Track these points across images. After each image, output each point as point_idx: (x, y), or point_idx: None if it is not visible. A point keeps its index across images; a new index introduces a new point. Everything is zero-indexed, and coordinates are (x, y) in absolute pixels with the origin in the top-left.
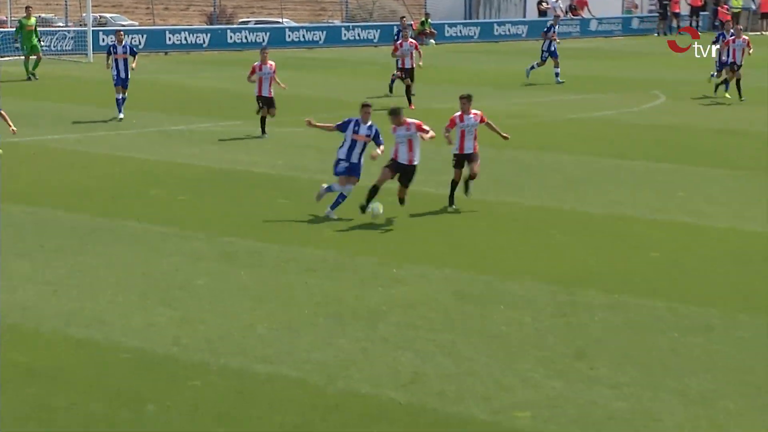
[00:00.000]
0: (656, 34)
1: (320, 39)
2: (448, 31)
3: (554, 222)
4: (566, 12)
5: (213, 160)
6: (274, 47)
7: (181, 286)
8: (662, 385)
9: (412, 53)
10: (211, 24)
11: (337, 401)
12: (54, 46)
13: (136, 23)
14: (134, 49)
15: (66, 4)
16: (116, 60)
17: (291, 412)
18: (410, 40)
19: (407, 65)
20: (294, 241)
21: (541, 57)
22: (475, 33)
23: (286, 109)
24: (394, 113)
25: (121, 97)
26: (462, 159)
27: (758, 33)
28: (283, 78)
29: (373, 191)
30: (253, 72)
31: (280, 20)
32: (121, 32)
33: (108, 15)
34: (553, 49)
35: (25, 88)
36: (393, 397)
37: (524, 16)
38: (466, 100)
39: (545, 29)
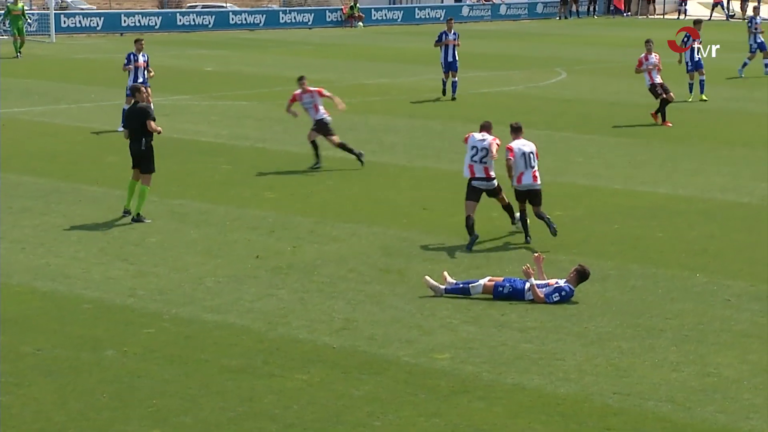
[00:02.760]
0: (558, 18)
1: (260, 22)
2: (374, 15)
3: (463, 184)
4: None
5: (164, 130)
6: (218, 29)
7: (136, 243)
8: (564, 329)
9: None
10: (162, 8)
11: (277, 345)
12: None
13: (94, 7)
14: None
15: None
16: (136, 68)
17: (236, 355)
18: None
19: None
20: (238, 202)
21: (750, 50)
22: (398, 16)
23: (229, 84)
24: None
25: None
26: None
27: (644, 17)
28: (226, 57)
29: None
30: (293, 101)
31: (225, 5)
32: (142, 40)
33: None
34: (760, 41)
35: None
36: (327, 342)
37: (442, 1)
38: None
39: (749, 22)
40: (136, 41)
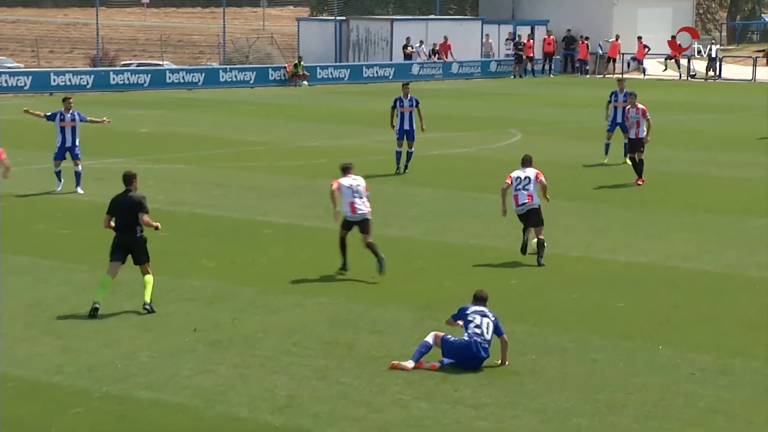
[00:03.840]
0: (512, 77)
1: (199, 80)
2: (320, 73)
3: (418, 251)
4: (429, 56)
5: (96, 196)
6: (154, 88)
7: (64, 317)
8: (520, 405)
9: (638, 121)
10: (95, 66)
11: (216, 424)
12: None
13: (22, 65)
14: (83, 117)
15: None
16: (63, 128)
17: None
18: (638, 105)
19: (632, 135)
20: (174, 272)
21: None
22: (345, 75)
23: (166, 147)
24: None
25: (76, 171)
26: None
27: (601, 76)
28: (163, 117)
29: None
30: (336, 190)
31: (161, 63)
32: (70, 98)
33: None
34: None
35: None
36: (269, 420)
37: (391, 59)
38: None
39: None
40: (64, 99)
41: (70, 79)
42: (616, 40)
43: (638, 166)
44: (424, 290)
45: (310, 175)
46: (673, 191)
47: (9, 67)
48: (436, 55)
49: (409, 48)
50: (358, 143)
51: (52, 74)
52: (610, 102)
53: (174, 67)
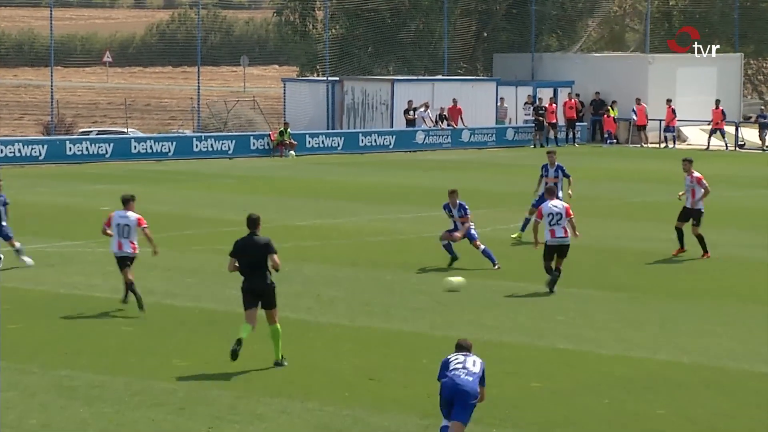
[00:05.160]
0: (532, 146)
1: (170, 150)
2: (309, 142)
3: (423, 347)
4: (436, 122)
5: (49, 284)
6: (118, 159)
7: (12, 426)
8: None
9: (693, 190)
10: (48, 134)
11: None
12: None
13: None
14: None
15: None
16: None
17: None
18: (693, 173)
19: (687, 204)
20: (140, 373)
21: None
22: (339, 144)
23: None
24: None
25: (15, 249)
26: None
27: (638, 146)
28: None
29: None
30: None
31: (126, 130)
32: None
33: None
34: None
35: None
36: None
37: (391, 126)
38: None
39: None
40: None
41: (19, 150)
42: (638, 104)
43: (700, 241)
44: (428, 393)
45: (298, 258)
46: (719, 279)
47: None
48: (444, 121)
49: (411, 113)
50: (354, 222)
51: None
52: (541, 176)
53: (141, 135)
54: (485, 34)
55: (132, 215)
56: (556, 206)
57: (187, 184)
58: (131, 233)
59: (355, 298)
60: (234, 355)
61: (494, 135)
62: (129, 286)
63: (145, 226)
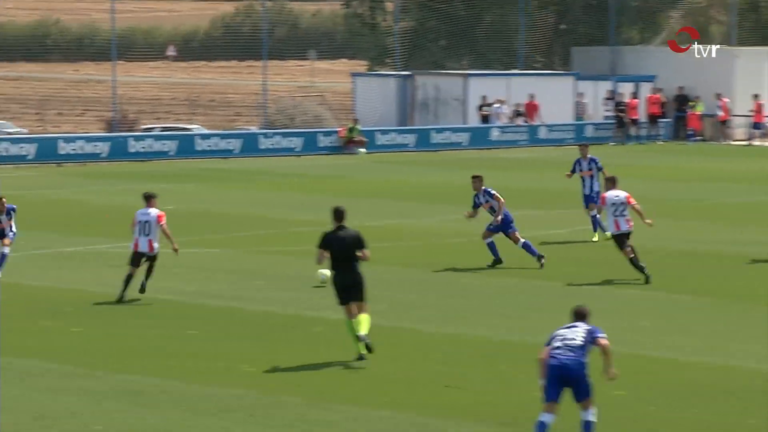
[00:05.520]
0: (612, 143)
1: (235, 148)
2: (379, 139)
3: (500, 353)
4: (511, 118)
5: (113, 286)
6: (182, 157)
7: None
8: None
9: None
10: (111, 131)
11: None
12: None
13: (25, 130)
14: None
15: None
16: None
17: None
18: None
19: None
20: (208, 378)
21: None
22: (410, 141)
23: (195, 228)
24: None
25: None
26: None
27: (722, 143)
28: (192, 193)
29: None
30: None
31: (190, 127)
32: (2, 199)
33: None
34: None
35: None
36: None
37: (465, 122)
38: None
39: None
40: None
41: (81, 147)
42: (719, 98)
43: None
44: (506, 401)
45: (371, 261)
46: None
47: (10, 133)
48: (520, 118)
49: (485, 109)
50: (427, 223)
51: (60, 141)
52: (573, 171)
53: (205, 131)
54: (563, 27)
55: (153, 212)
56: (617, 195)
57: (253, 183)
58: (152, 230)
59: (429, 302)
60: (368, 348)
61: (573, 132)
62: (127, 279)
63: (163, 223)
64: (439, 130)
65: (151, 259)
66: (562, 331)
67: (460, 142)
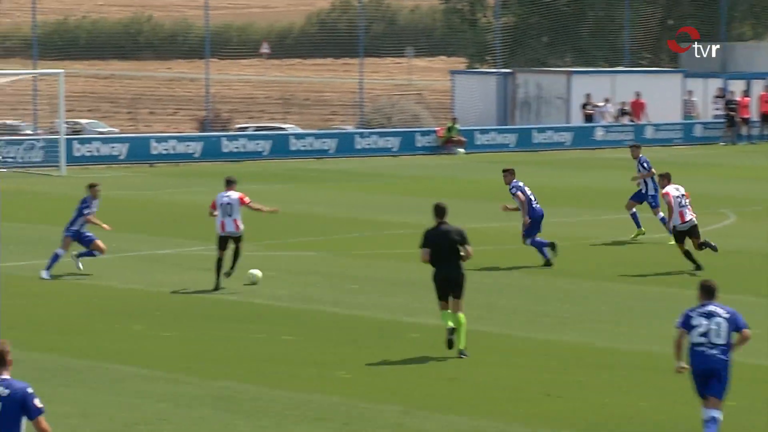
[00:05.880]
0: (722, 143)
1: (331, 148)
2: (479, 139)
3: (603, 361)
4: (616, 117)
5: (204, 290)
6: (276, 157)
7: None
8: None
9: None
10: (204, 131)
11: None
12: (21, 158)
13: (117, 130)
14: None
15: (35, 109)
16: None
17: None
18: None
19: None
20: (302, 385)
21: None
22: (511, 141)
23: (291, 231)
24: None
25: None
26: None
27: None
28: (286, 193)
29: None
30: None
31: (284, 126)
32: (98, 186)
33: (84, 121)
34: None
35: None
36: None
37: (568, 122)
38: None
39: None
40: (91, 186)
41: (174, 147)
42: None
43: None
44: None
45: (469, 265)
46: None
47: (101, 133)
48: (626, 117)
49: (589, 107)
50: None
51: (152, 141)
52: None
53: (300, 131)
54: (670, 22)
55: (234, 194)
56: (678, 188)
57: (349, 184)
58: (234, 211)
59: (529, 307)
60: (450, 344)
61: (681, 131)
62: (218, 264)
63: (248, 200)
64: (541, 130)
65: (237, 240)
66: (701, 321)
67: (563, 141)
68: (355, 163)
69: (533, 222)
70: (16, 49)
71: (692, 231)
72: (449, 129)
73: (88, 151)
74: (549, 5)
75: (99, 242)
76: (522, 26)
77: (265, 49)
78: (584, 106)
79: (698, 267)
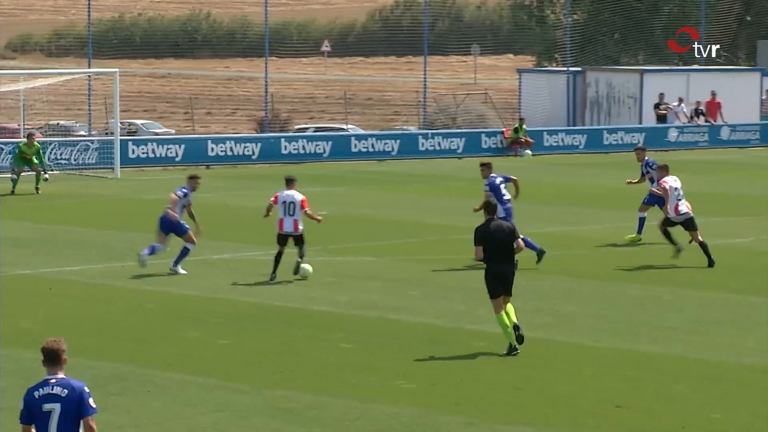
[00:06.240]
0: None
1: (393, 149)
2: (547, 140)
3: (676, 372)
4: (691, 117)
5: (262, 296)
6: (336, 159)
7: None
8: None
9: None
10: (262, 131)
11: None
12: (74, 159)
13: (173, 131)
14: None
15: (89, 109)
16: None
17: None
18: None
19: None
20: (361, 394)
21: None
22: (580, 142)
23: (351, 235)
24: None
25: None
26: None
27: None
28: (347, 196)
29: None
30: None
31: (345, 127)
32: (198, 178)
33: (139, 122)
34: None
35: (37, 209)
36: None
37: (640, 122)
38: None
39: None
40: (192, 177)
41: (231, 148)
42: None
43: None
44: (683, 424)
45: (533, 270)
46: None
47: (157, 133)
48: (701, 117)
49: (663, 107)
50: (597, 230)
51: (209, 142)
52: (643, 176)
53: (361, 132)
54: (748, 18)
55: (297, 195)
56: (676, 180)
57: (412, 187)
58: (296, 211)
59: (597, 315)
60: (521, 339)
61: (758, 132)
62: (277, 258)
63: (308, 209)
64: (612, 131)
65: (297, 238)
66: None
67: (635, 143)
68: (418, 165)
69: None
70: (70, 47)
71: (689, 224)
72: (516, 130)
73: (143, 153)
74: (621, 0)
75: (192, 234)
76: (592, 23)
77: (326, 46)
78: (657, 106)
79: (678, 249)
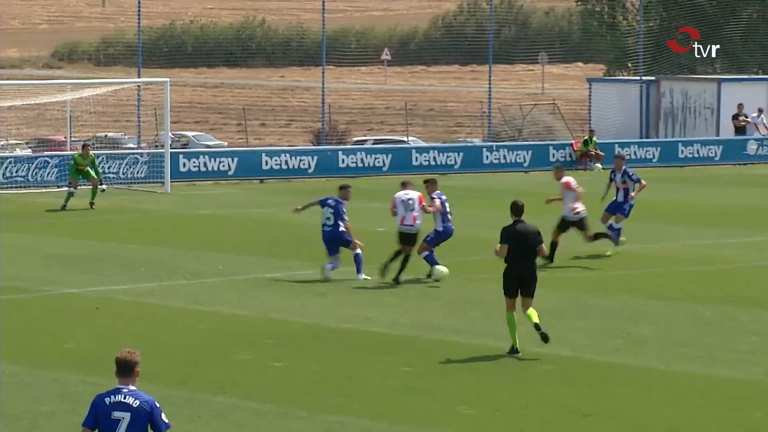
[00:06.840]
0: None
1: (456, 162)
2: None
3: (754, 398)
4: None
5: (319, 316)
6: (396, 172)
7: None
8: None
9: None
10: (319, 144)
11: None
12: (123, 173)
13: (225, 143)
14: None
15: (139, 121)
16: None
17: None
18: None
19: None
20: (421, 420)
21: None
22: (653, 155)
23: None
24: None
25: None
26: None
27: None
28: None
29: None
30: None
31: (406, 139)
32: (349, 187)
33: (190, 134)
34: None
35: (84, 225)
36: None
37: (717, 134)
38: None
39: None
40: (343, 188)
41: (286, 161)
42: None
43: None
44: None
45: (602, 290)
46: None
47: (209, 146)
48: None
49: (742, 118)
50: (670, 248)
51: (263, 155)
52: (611, 181)
53: (423, 144)
54: None
55: (414, 192)
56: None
57: (476, 201)
58: (415, 207)
59: (669, 338)
60: (545, 338)
61: None
62: (396, 256)
63: (424, 204)
64: (687, 143)
65: (412, 239)
66: None
67: (712, 156)
68: (483, 179)
69: (441, 235)
70: (119, 56)
71: (580, 223)
72: (586, 142)
73: (195, 166)
74: (696, 6)
75: (357, 241)
76: (666, 30)
77: (386, 55)
78: (735, 117)
79: (551, 260)
